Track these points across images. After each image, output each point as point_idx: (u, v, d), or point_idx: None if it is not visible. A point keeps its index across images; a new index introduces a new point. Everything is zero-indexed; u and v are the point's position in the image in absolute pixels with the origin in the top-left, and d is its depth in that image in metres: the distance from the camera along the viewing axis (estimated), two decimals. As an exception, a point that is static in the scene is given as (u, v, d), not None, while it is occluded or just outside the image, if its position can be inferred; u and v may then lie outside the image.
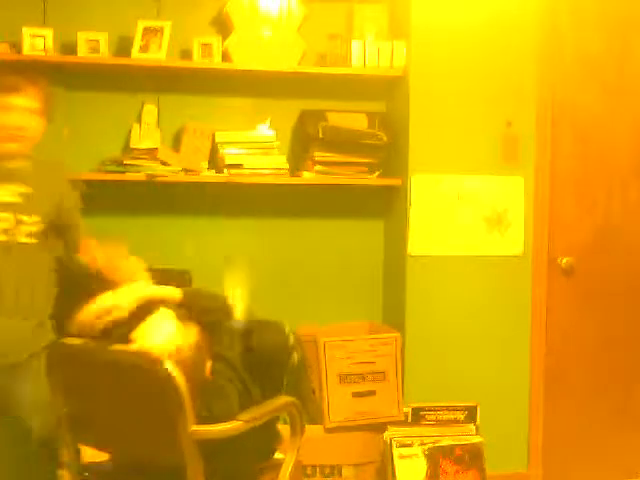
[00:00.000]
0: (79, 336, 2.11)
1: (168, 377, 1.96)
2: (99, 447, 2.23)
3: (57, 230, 2.48)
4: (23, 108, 2.35)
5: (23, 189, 2.36)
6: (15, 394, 2.39)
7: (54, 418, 2.24)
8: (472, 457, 3.18)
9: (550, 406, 3.41)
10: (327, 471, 3.10)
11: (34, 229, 2.38)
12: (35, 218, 2.38)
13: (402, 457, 3.13)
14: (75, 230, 2.53)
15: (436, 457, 3.15)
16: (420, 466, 3.13)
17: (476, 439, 3.20)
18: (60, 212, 2.46)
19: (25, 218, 2.36)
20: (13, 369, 2.38)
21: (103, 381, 2.10)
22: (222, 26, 3.28)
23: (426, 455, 3.14)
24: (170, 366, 1.97)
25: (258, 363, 2.25)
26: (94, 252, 2.45)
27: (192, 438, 2.00)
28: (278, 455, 2.34)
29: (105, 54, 3.09)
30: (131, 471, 2.20)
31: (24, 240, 2.37)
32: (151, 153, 3.15)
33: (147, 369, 1.99)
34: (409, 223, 3.25)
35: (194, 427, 1.99)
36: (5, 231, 2.33)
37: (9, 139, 2.34)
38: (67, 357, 2.15)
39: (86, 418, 2.17)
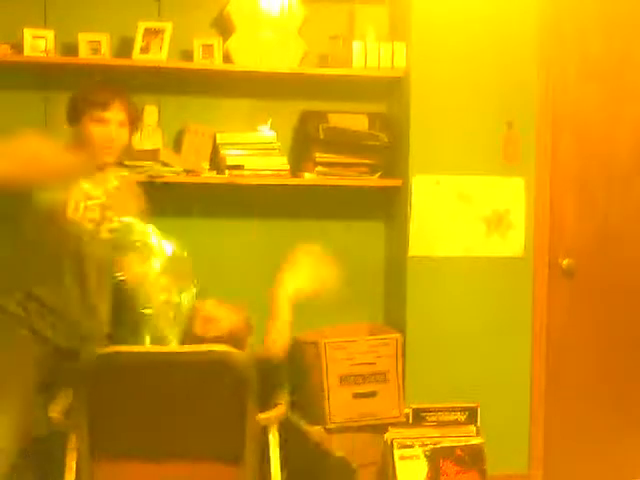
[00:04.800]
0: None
1: (244, 367, 2.12)
2: (132, 455, 2.25)
3: None
4: (114, 121, 2.52)
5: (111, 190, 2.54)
6: None
7: None
8: (473, 458, 3.17)
9: (551, 407, 3.41)
10: (328, 472, 3.11)
11: (114, 226, 2.52)
12: (116, 218, 2.53)
13: (403, 458, 3.13)
14: None
15: (437, 458, 3.14)
16: (421, 467, 3.13)
17: (477, 440, 3.20)
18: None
19: (109, 214, 2.51)
20: None
21: (162, 384, 2.18)
22: (223, 27, 3.28)
23: (427, 456, 3.14)
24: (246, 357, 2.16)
25: None
26: None
27: (259, 425, 2.16)
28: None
29: (106, 55, 3.10)
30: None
31: (106, 236, 2.50)
32: (152, 154, 3.15)
33: (225, 362, 2.13)
34: (410, 224, 3.25)
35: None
36: (92, 221, 2.48)
37: (103, 151, 2.52)
38: (121, 366, 2.19)
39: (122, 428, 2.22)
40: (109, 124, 2.50)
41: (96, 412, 2.18)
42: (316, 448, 2.60)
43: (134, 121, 2.62)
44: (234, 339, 2.37)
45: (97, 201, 2.49)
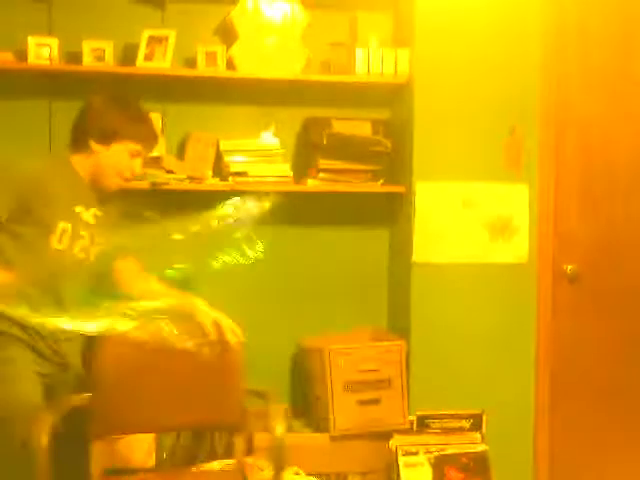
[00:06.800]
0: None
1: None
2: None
3: None
4: (144, 157, 2.56)
5: (98, 212, 2.51)
6: None
7: None
8: (478, 465, 3.16)
9: (556, 414, 3.39)
10: (333, 479, 3.09)
11: (100, 248, 2.50)
12: (102, 239, 2.50)
13: (407, 465, 3.11)
14: None
15: (442, 465, 3.13)
16: (425, 474, 3.12)
17: (482, 447, 3.19)
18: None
19: (97, 239, 2.49)
20: None
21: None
22: (226, 34, 3.29)
23: (432, 464, 3.13)
24: None
25: None
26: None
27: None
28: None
29: (110, 63, 3.10)
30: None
31: (93, 258, 2.49)
32: (155, 161, 3.15)
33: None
34: (414, 230, 3.24)
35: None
36: (84, 249, 2.45)
37: (121, 180, 2.52)
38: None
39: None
40: (140, 158, 2.51)
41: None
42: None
43: None
44: None
45: (88, 229, 2.46)
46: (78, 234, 2.42)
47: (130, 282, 2.56)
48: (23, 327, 2.34)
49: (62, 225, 2.39)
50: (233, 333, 2.50)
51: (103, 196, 2.53)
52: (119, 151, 2.46)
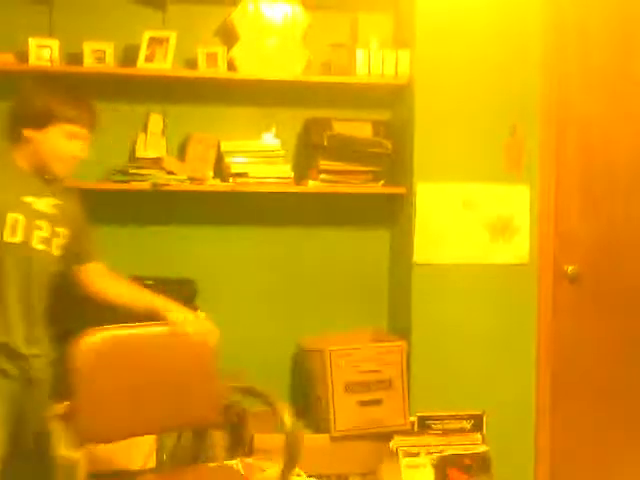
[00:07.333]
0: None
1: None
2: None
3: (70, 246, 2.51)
4: (86, 138, 2.44)
5: (57, 202, 2.42)
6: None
7: None
8: (479, 466, 3.16)
9: (557, 414, 3.39)
10: (333, 480, 3.10)
11: (63, 241, 2.44)
12: (65, 231, 2.44)
13: (409, 467, 3.11)
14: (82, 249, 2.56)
15: (443, 467, 3.13)
16: (428, 476, 3.12)
17: (483, 448, 3.19)
18: (76, 230, 2.51)
19: (59, 230, 2.41)
20: None
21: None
22: (227, 36, 3.29)
23: (433, 465, 3.13)
24: None
25: None
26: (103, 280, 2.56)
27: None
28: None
29: (111, 64, 3.10)
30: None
31: (56, 252, 2.42)
32: (156, 162, 3.16)
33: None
34: (414, 231, 3.24)
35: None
36: (44, 240, 2.37)
37: (65, 165, 2.41)
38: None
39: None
40: (81, 140, 2.40)
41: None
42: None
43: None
44: None
45: (45, 219, 2.36)
46: (34, 224, 2.33)
47: (103, 284, 2.55)
48: None
49: (12, 216, 2.30)
50: (208, 332, 2.49)
51: (56, 186, 2.44)
52: (54, 134, 2.35)
